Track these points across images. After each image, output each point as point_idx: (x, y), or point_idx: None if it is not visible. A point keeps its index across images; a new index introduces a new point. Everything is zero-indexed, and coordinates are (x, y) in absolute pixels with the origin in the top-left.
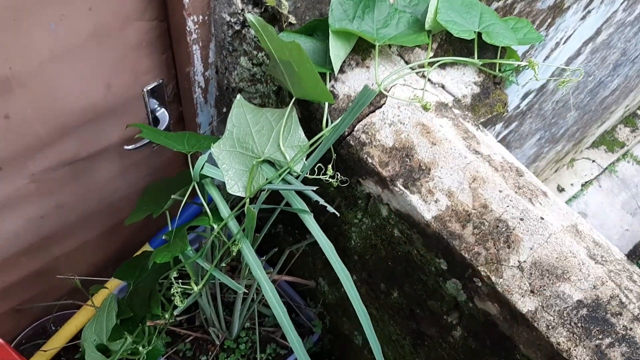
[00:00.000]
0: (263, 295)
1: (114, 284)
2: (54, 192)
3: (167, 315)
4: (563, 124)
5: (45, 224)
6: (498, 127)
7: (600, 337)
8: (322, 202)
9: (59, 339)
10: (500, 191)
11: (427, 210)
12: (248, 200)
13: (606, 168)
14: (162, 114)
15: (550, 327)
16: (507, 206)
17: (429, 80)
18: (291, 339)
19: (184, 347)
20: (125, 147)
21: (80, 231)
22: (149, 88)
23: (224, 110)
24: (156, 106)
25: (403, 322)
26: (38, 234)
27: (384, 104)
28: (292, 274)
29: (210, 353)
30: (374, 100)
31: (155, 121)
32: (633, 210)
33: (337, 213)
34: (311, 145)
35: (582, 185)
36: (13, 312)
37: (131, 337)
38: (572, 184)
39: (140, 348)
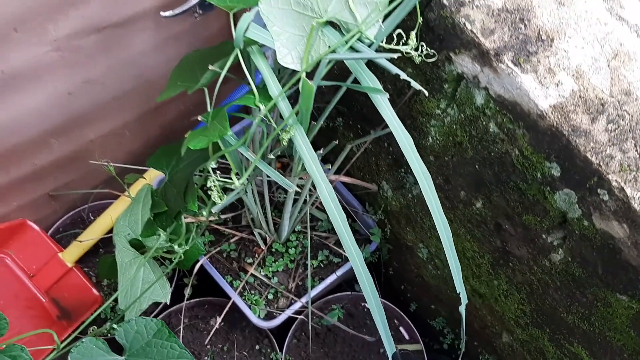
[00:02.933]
0: (317, 197)
1: (152, 174)
2: (81, 64)
3: (205, 213)
4: None
5: (74, 102)
6: None
7: None
8: (403, 75)
9: (95, 231)
10: None
11: (543, 96)
12: (304, 74)
13: None
14: None
15: None
16: None
17: None
18: (348, 248)
19: (228, 248)
20: (162, 13)
21: (115, 112)
22: None
23: None
24: None
25: (484, 239)
26: (67, 113)
27: None
28: (350, 175)
29: (256, 255)
30: None
31: None
32: None
33: (424, 91)
34: (390, 2)
35: None
36: (47, 198)
37: (165, 233)
38: None
39: (176, 247)
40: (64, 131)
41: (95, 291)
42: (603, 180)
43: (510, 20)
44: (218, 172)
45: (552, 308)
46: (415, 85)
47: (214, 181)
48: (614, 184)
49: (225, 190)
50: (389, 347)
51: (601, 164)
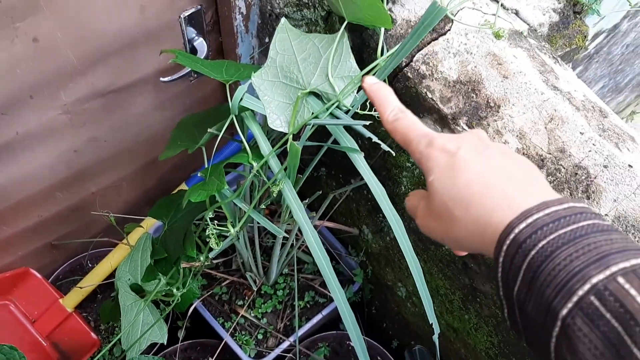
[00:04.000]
0: (303, 241)
1: (149, 223)
2: (87, 125)
3: (202, 258)
4: (629, 71)
5: (79, 158)
6: None
7: None
8: (375, 139)
9: (95, 277)
10: (582, 133)
11: None
12: (291, 136)
13: None
14: (200, 43)
15: None
16: (589, 151)
17: (501, 4)
18: (333, 289)
19: (219, 291)
20: (162, 78)
21: (115, 167)
22: (186, 15)
23: (266, 40)
24: (194, 35)
25: (454, 277)
26: (72, 168)
27: (448, 30)
28: (334, 220)
29: (246, 298)
30: (437, 26)
31: (193, 51)
32: None
33: (392, 151)
34: (363, 76)
35: None
36: (49, 247)
37: (165, 278)
38: None
39: (175, 290)
40: (69, 185)
41: (93, 335)
42: None
43: (464, 91)
44: (215, 221)
45: (515, 339)
46: (384, 147)
47: (212, 230)
48: None
49: (220, 237)
50: None
51: None
